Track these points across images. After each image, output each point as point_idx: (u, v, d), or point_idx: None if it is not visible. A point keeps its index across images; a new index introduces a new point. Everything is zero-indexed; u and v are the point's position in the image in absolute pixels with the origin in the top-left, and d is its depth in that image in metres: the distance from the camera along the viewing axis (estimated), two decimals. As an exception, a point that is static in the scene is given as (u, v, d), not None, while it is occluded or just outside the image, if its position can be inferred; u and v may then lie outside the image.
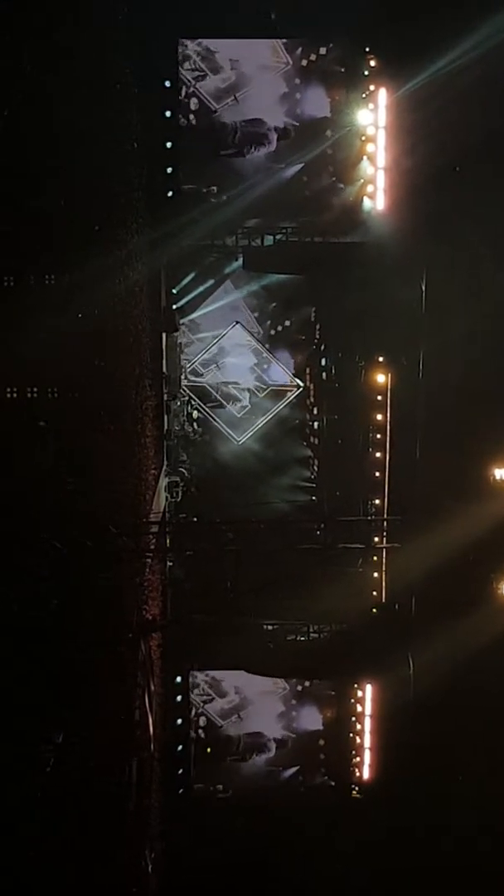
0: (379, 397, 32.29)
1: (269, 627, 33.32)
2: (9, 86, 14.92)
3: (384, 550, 30.98)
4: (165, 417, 33.71)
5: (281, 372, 34.78)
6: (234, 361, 34.79)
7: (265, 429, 34.89)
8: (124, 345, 24.69)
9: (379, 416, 32.34)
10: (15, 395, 18.13)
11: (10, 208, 15.69)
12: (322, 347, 34.91)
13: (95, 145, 20.98)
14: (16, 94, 15.12)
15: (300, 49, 31.48)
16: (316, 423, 35.28)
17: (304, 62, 31.59)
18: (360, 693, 34.29)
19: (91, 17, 20.42)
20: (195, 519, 33.04)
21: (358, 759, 34.34)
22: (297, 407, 35.23)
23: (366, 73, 31.02)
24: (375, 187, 31.36)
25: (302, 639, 33.59)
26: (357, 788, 34.55)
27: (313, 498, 34.86)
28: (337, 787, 34.89)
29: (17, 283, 16.83)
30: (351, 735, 34.54)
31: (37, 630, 16.25)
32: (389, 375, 32.08)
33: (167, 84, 30.97)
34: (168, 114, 31.19)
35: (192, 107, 31.59)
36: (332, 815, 33.33)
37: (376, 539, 30.53)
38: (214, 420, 34.78)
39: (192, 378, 34.90)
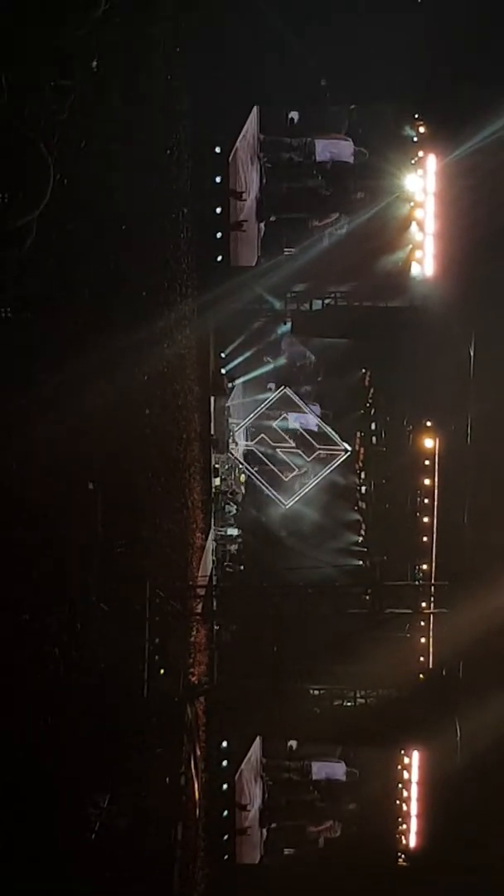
0: (427, 462, 32.23)
1: (316, 692, 33.09)
2: (62, 152, 15.11)
3: (432, 616, 30.86)
4: (213, 480, 33.75)
5: (328, 436, 34.74)
6: (281, 425, 34.81)
7: (313, 492, 34.82)
8: (172, 408, 24.82)
9: (427, 481, 32.24)
10: (64, 457, 18.20)
11: (58, 271, 15.83)
12: (371, 412, 34.91)
13: (145, 211, 21.20)
14: (68, 160, 15.30)
15: (349, 114, 31.70)
16: (364, 488, 35.21)
17: (353, 128, 31.77)
18: (406, 760, 33.95)
19: (141, 84, 20.68)
20: (242, 569, 33.03)
21: (405, 826, 33.92)
22: (345, 471, 35.17)
23: (415, 139, 31.20)
24: (424, 253, 31.44)
25: (349, 704, 33.32)
26: (404, 856, 34.10)
27: (361, 562, 34.71)
28: (383, 856, 34.42)
29: (67, 346, 16.94)
30: (398, 802, 34.13)
31: (83, 693, 16.25)
32: (437, 440, 32.04)
33: (217, 150, 31.18)
34: (218, 179, 31.37)
35: (243, 173, 31.80)
36: (377, 884, 32.90)
37: (424, 604, 30.41)
38: (262, 483, 34.74)
39: (240, 441, 34.94)
